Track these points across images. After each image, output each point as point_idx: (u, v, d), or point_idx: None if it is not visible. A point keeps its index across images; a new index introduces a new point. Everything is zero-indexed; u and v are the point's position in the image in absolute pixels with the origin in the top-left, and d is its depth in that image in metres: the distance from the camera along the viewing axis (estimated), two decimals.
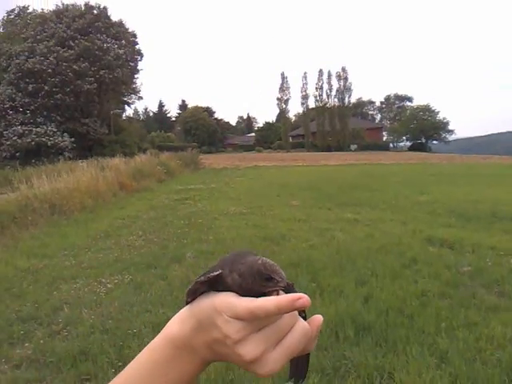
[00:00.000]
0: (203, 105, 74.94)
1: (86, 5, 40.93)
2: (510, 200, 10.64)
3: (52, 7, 42.48)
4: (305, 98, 68.52)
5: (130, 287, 4.70)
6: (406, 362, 3.01)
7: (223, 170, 24.46)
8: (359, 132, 63.56)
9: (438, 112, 73.53)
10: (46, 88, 33.57)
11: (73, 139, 32.50)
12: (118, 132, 40.60)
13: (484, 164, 29.18)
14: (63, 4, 40.56)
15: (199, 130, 66.50)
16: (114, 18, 43.92)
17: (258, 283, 0.49)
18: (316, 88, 67.76)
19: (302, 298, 0.47)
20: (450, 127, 73.05)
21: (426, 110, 73.49)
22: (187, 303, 0.54)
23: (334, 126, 64.57)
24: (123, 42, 43.60)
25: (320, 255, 5.74)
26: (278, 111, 73.19)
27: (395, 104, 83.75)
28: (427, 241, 6.53)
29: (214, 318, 0.48)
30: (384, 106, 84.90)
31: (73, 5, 40.72)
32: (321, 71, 67.65)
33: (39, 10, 41.49)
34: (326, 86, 67.23)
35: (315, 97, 67.75)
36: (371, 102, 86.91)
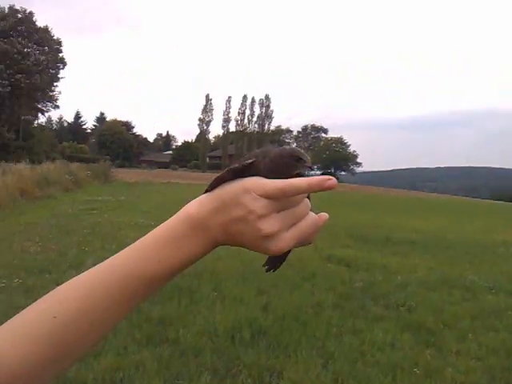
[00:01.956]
0: (122, 119, 73.23)
1: (11, 8, 39.02)
2: (402, 227, 11.55)
3: None
4: (226, 121, 69.61)
5: (19, 290, 4.44)
6: (296, 362, 3.18)
7: (135, 184, 23.90)
8: None
9: (349, 145, 78.05)
10: None
11: None
12: (26, 138, 38.33)
13: (384, 195, 31.25)
14: None
15: (115, 144, 64.62)
16: (41, 23, 42.31)
17: (288, 164, 0.53)
18: (238, 112, 69.20)
19: (331, 179, 0.52)
20: (358, 160, 77.70)
21: (339, 141, 77.70)
22: (207, 191, 0.56)
23: (251, 151, 65.85)
24: (46, 48, 41.79)
25: (224, 267, 5.84)
26: (198, 131, 73.22)
27: (311, 134, 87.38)
28: (327, 259, 6.88)
29: (240, 197, 0.52)
30: (301, 135, 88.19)
31: None
32: (245, 97, 69.23)
33: None
34: (248, 112, 68.80)
35: (237, 121, 69.08)
36: (289, 131, 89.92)
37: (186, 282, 4.89)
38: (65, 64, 44.46)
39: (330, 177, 0.52)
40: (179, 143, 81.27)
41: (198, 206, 0.54)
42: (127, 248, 0.56)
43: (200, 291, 4.68)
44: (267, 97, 69.42)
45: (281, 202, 0.52)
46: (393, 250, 8.00)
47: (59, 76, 44.51)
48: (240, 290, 4.82)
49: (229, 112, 69.48)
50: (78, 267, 5.37)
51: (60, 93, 46.85)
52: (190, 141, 77.22)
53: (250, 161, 0.54)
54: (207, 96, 70.84)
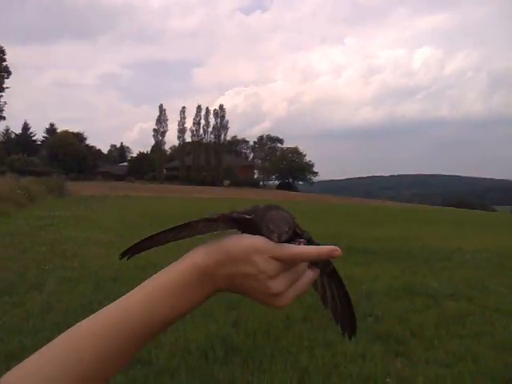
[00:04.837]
0: (74, 130, 71.30)
1: None
2: (362, 236, 11.81)
3: None
4: (182, 131, 69.06)
5: None
6: (271, 379, 3.17)
7: (92, 198, 23.30)
8: (232, 169, 65.48)
9: (305, 155, 79.20)
10: None
11: None
12: None
13: (342, 204, 31.89)
14: None
15: (67, 156, 62.75)
16: None
17: (264, 230, 0.57)
18: (193, 123, 68.77)
19: (337, 250, 0.58)
20: (315, 169, 78.95)
21: (295, 152, 78.75)
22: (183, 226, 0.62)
23: (208, 161, 65.88)
24: None
25: None
26: (153, 142, 72.19)
27: (267, 145, 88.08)
28: None
29: (252, 256, 0.56)
30: (257, 145, 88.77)
31: None
32: (199, 107, 68.91)
33: None
34: (203, 122, 68.56)
35: (192, 131, 68.65)
36: (245, 141, 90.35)
37: None
38: (9, 73, 42.94)
39: (337, 248, 0.57)
40: (134, 154, 79.65)
41: (204, 255, 0.58)
42: (137, 291, 0.58)
43: None
44: (222, 107, 69.51)
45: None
46: (355, 260, 8.14)
47: (4, 86, 42.96)
48: (209, 305, 4.76)
49: (184, 123, 69.09)
50: (40, 288, 5.18)
51: (5, 103, 45.07)
52: (145, 152, 75.94)
53: (249, 217, 0.59)
54: (161, 106, 70.11)
